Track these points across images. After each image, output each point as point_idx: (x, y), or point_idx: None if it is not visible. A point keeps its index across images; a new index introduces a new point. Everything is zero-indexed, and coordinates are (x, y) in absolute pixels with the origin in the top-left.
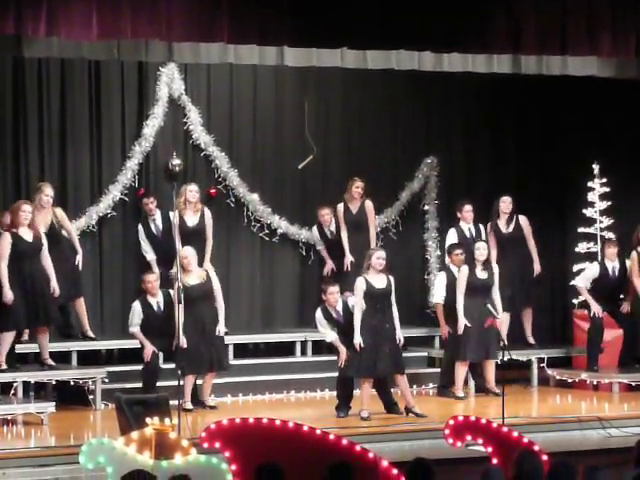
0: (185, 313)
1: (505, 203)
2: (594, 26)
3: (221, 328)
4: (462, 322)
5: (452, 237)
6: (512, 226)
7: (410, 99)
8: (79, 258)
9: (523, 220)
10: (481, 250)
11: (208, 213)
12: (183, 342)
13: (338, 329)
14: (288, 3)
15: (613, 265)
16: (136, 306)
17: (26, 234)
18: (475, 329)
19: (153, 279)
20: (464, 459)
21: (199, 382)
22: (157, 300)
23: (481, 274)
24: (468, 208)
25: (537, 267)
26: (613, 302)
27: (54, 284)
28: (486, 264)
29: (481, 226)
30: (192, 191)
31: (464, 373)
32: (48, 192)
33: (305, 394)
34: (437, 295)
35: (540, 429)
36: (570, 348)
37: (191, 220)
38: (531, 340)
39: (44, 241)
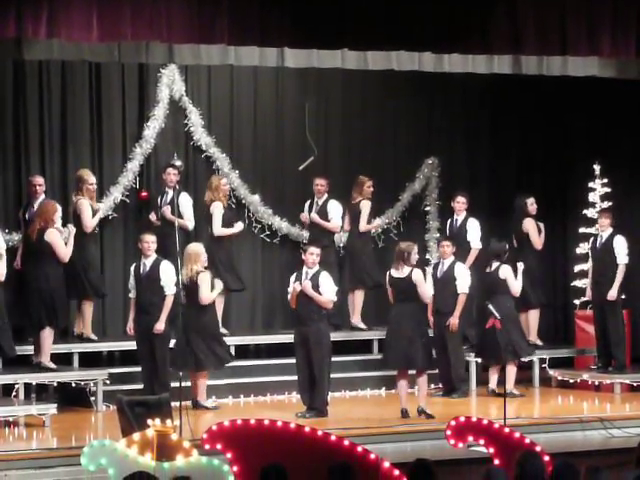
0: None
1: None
2: (594, 26)
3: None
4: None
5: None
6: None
7: (411, 100)
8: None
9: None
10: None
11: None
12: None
13: None
14: (288, 4)
15: None
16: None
17: None
18: None
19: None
20: (466, 460)
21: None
22: None
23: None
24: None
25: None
26: None
27: None
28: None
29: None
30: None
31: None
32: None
33: None
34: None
35: (542, 430)
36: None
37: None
38: (538, 341)
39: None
